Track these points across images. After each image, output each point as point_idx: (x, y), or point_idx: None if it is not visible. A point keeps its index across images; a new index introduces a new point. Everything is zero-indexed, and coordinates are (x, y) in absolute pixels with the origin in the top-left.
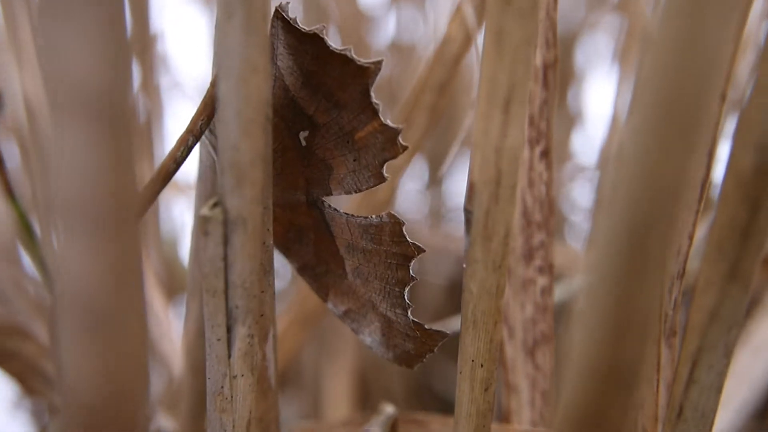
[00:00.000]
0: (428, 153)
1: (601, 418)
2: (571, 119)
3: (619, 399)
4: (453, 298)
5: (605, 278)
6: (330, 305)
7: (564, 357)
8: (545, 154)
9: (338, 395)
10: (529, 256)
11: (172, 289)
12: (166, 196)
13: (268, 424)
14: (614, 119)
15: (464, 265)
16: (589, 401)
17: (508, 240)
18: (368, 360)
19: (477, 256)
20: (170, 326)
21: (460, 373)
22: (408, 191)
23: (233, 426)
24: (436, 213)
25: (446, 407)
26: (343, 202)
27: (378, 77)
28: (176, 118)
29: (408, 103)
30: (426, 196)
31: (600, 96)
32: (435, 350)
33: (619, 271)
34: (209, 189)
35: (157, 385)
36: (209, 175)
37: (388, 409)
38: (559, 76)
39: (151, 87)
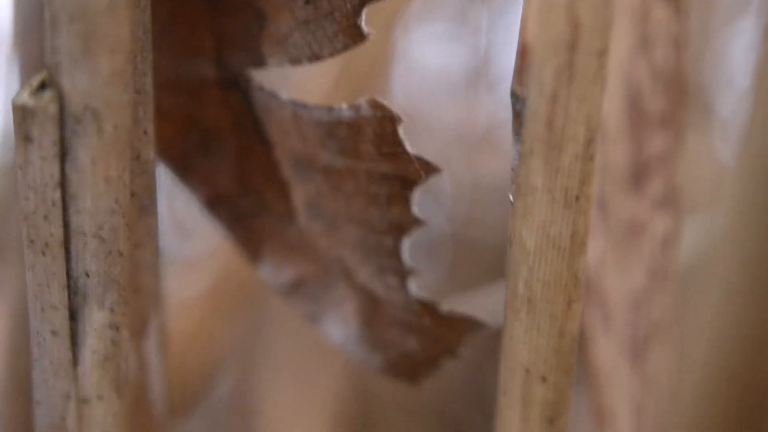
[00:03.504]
0: None
1: None
2: None
3: None
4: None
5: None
6: (265, 270)
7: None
8: None
9: None
10: (639, 176)
11: None
12: None
13: None
14: None
15: (510, 197)
16: None
17: (593, 150)
18: (357, 378)
19: (534, 180)
20: None
21: (504, 393)
22: (430, 32)
23: None
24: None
25: None
26: (290, 82)
27: None
28: None
29: None
30: (464, 43)
31: None
32: (459, 352)
33: None
34: (34, 55)
35: None
36: (33, 28)
37: None
38: None
39: None
